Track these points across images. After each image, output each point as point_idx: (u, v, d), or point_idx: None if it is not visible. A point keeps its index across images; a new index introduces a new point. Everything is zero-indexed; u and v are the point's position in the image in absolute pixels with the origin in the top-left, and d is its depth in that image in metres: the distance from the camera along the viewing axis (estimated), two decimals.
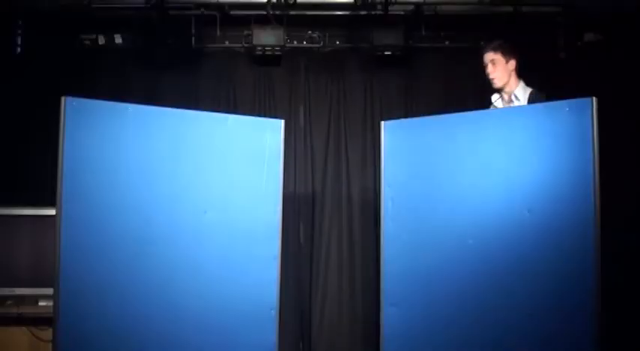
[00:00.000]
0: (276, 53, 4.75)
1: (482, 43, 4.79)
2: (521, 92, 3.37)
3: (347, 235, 4.92)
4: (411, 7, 4.62)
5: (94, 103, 2.91)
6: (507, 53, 3.39)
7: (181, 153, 3.03)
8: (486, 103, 3.53)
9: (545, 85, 3.54)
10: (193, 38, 4.85)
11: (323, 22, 4.92)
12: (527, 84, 3.44)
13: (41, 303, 3.86)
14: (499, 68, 3.38)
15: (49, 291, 3.29)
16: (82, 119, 2.84)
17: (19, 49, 4.80)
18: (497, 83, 3.40)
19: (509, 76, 3.39)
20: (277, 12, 4.62)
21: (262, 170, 3.15)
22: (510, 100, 3.40)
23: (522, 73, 3.47)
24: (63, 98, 2.82)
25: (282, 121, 3.24)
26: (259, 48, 4.69)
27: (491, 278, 2.95)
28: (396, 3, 4.51)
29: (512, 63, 3.39)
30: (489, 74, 3.41)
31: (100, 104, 2.92)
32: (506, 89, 3.41)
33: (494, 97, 3.47)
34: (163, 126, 3.02)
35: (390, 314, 3.26)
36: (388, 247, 3.31)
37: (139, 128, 2.96)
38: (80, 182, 2.81)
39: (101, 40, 4.79)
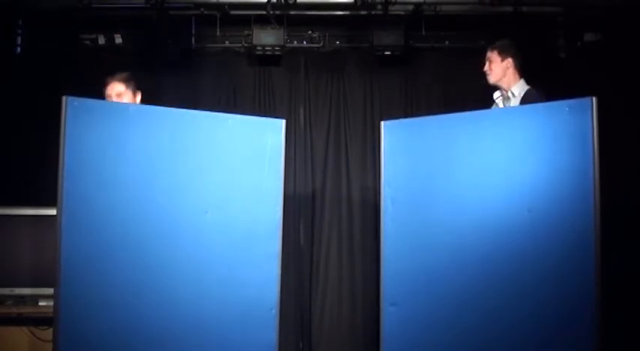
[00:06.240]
0: (276, 53, 4.76)
1: (482, 43, 4.81)
2: (518, 89, 3.49)
3: (347, 235, 4.92)
4: (411, 7, 4.61)
5: (95, 102, 2.90)
6: (504, 52, 3.52)
7: (182, 153, 3.02)
8: (489, 100, 3.62)
9: (545, 85, 3.56)
10: (193, 38, 4.85)
11: (323, 22, 4.92)
12: (529, 83, 3.50)
13: (41, 303, 3.86)
14: (493, 66, 3.53)
15: (49, 291, 3.30)
16: (83, 119, 2.83)
17: (19, 49, 4.80)
18: (490, 79, 3.56)
19: (504, 73, 3.51)
20: (277, 12, 4.62)
21: (263, 170, 3.14)
22: (508, 97, 3.52)
23: (523, 73, 3.50)
24: (64, 98, 2.81)
25: (284, 121, 3.24)
26: (259, 48, 4.70)
27: (491, 278, 2.95)
28: (396, 3, 4.50)
29: (509, 61, 3.51)
30: (485, 70, 3.58)
31: (101, 104, 2.92)
32: (504, 86, 3.53)
33: (496, 95, 3.60)
34: (164, 126, 3.01)
35: (390, 314, 3.25)
36: (388, 247, 3.30)
37: (140, 128, 2.95)
38: (81, 182, 2.80)
39: (101, 40, 4.79)
